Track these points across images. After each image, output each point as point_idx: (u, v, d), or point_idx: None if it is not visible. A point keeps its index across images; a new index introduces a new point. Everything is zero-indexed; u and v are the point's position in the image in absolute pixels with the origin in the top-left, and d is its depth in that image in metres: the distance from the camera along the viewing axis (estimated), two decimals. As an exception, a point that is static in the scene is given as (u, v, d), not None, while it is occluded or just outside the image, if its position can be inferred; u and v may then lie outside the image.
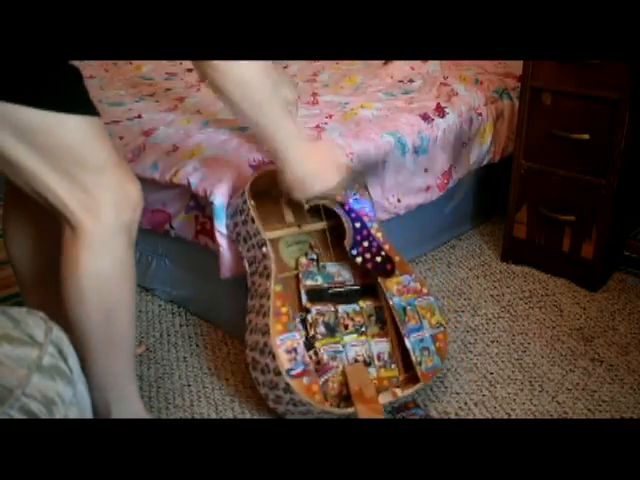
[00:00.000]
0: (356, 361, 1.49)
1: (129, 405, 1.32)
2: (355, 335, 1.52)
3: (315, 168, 1.39)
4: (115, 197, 1.16)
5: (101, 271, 1.18)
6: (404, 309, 1.52)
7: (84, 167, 1.13)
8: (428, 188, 2.01)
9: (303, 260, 1.59)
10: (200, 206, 1.67)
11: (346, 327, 1.53)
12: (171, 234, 1.77)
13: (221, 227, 1.58)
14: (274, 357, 1.36)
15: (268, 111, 1.29)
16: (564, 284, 2.05)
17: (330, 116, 1.95)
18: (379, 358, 1.51)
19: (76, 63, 1.18)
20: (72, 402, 0.81)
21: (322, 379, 1.42)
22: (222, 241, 1.58)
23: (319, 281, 1.56)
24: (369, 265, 1.55)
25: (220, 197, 1.56)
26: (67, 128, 1.10)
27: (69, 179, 1.13)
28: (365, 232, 1.58)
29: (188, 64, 2.62)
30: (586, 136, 1.89)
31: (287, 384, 1.34)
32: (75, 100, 1.14)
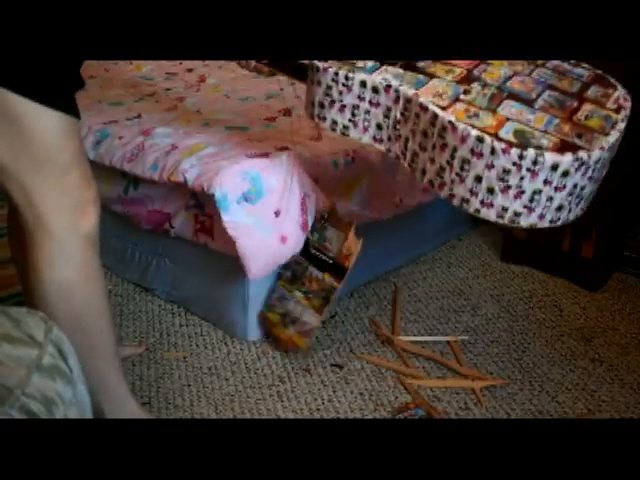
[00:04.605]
0: (286, 314, 1.68)
1: (121, 406, 1.30)
2: (302, 295, 1.65)
3: None
4: (70, 202, 1.15)
5: (61, 278, 1.16)
6: None
7: (51, 163, 1.12)
8: (429, 188, 2.00)
9: None
10: (200, 204, 1.67)
11: (303, 284, 1.67)
12: (171, 233, 1.77)
13: (229, 218, 1.52)
14: None
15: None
16: (564, 284, 2.05)
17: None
18: (302, 325, 1.65)
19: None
20: (72, 402, 0.81)
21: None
22: (235, 233, 1.53)
23: (314, 237, 1.69)
24: None
25: (220, 188, 1.52)
26: (45, 120, 1.10)
27: (32, 174, 1.11)
28: None
29: (188, 64, 2.62)
30: (586, 136, 1.88)
31: None
32: (61, 98, 1.13)
